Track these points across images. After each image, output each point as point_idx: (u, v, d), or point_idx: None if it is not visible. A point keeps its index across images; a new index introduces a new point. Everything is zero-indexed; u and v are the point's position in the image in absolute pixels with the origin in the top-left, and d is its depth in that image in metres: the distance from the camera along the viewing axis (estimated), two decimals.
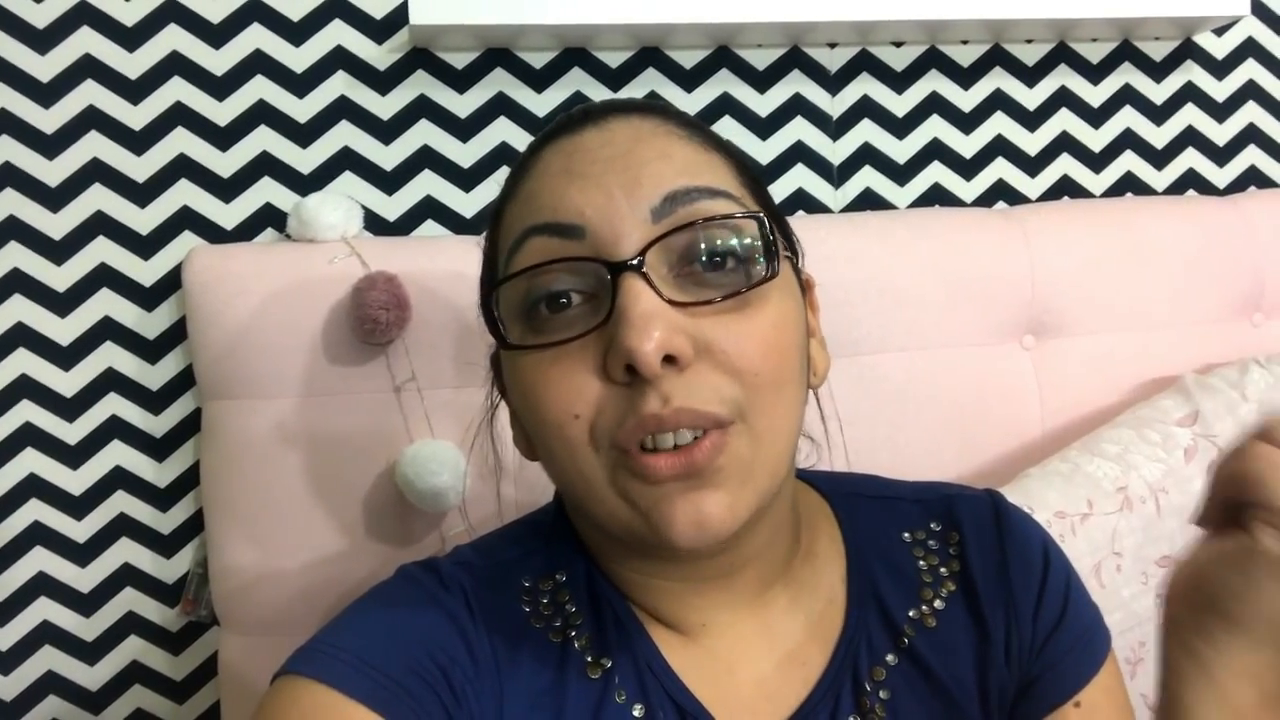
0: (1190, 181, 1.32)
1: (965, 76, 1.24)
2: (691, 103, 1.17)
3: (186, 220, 1.06)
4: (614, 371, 0.49)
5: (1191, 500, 0.97)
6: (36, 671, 1.06)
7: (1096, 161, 1.29)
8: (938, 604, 0.61)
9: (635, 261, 0.49)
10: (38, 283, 1.04)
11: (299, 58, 1.08)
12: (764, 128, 1.19)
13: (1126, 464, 0.98)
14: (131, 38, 1.05)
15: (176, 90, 1.05)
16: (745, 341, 0.50)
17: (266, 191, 1.08)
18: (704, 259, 0.50)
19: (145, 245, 1.06)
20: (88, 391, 1.05)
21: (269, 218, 1.08)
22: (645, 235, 0.50)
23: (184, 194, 1.06)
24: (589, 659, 0.58)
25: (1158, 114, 1.30)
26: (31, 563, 1.05)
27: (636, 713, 0.56)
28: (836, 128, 1.21)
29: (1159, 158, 1.30)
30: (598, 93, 1.14)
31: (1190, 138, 1.31)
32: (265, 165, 1.08)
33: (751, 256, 0.51)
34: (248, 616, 1.00)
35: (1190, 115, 1.31)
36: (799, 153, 1.20)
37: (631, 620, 0.59)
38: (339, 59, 1.09)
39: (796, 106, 1.20)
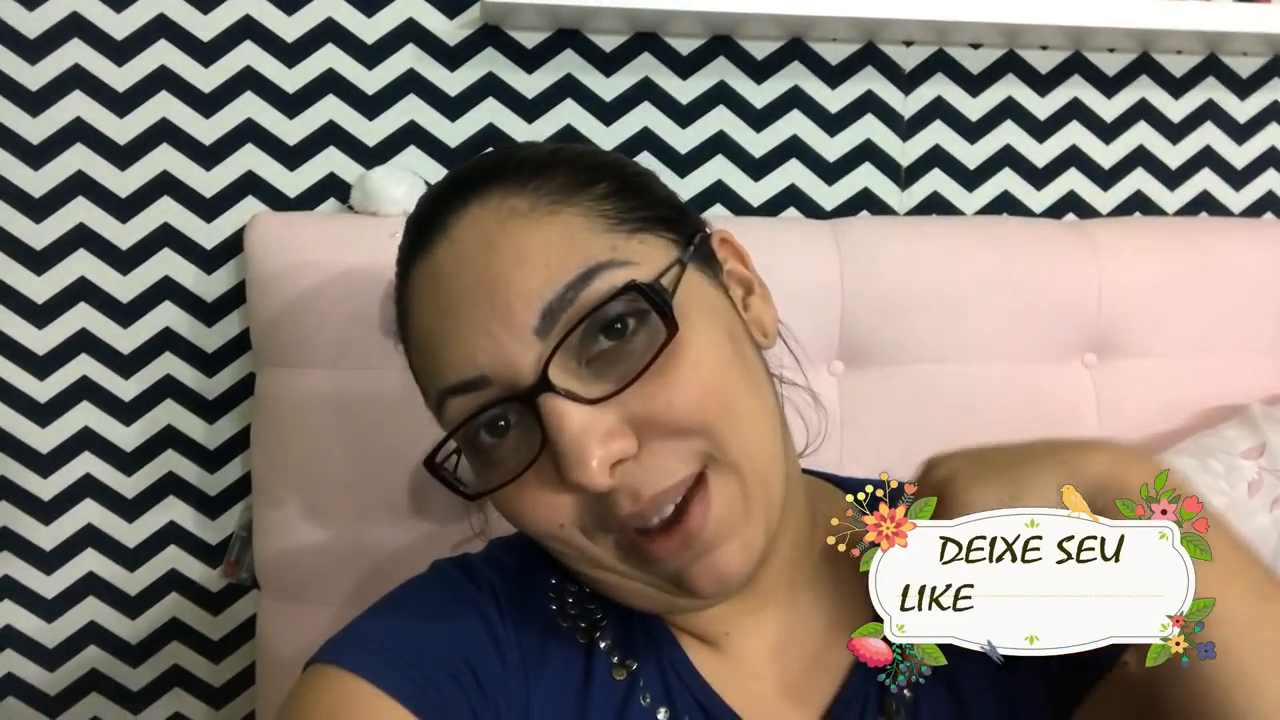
0: (1268, 204, 1.27)
1: (1043, 83, 1.21)
2: (761, 95, 1.15)
3: (250, 185, 1.07)
4: (575, 490, 0.50)
5: (1254, 536, 0.94)
6: (80, 621, 1.08)
7: (1172, 178, 1.25)
8: None
9: (540, 384, 0.49)
10: (102, 239, 1.05)
11: (370, 28, 1.07)
12: (833, 124, 1.17)
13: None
14: (205, 1, 1.05)
15: (247, 54, 1.05)
16: (678, 399, 0.50)
17: (331, 161, 1.08)
18: (603, 337, 0.50)
19: (208, 208, 1.06)
20: (144, 350, 1.07)
21: (331, 187, 1.08)
22: (539, 353, 0.49)
23: (249, 159, 1.06)
24: (615, 660, 0.58)
25: (1240, 132, 1.26)
26: (81, 514, 1.07)
27: (661, 716, 0.57)
28: (907, 128, 1.19)
29: (1238, 178, 1.26)
30: (666, 80, 1.13)
31: (1272, 158, 1.27)
32: (331, 135, 1.08)
33: (646, 320, 0.50)
34: (288, 582, 1.01)
35: (1273, 135, 1.27)
36: (867, 152, 1.18)
37: (657, 624, 0.59)
38: (410, 32, 1.08)
39: (867, 104, 1.17)
